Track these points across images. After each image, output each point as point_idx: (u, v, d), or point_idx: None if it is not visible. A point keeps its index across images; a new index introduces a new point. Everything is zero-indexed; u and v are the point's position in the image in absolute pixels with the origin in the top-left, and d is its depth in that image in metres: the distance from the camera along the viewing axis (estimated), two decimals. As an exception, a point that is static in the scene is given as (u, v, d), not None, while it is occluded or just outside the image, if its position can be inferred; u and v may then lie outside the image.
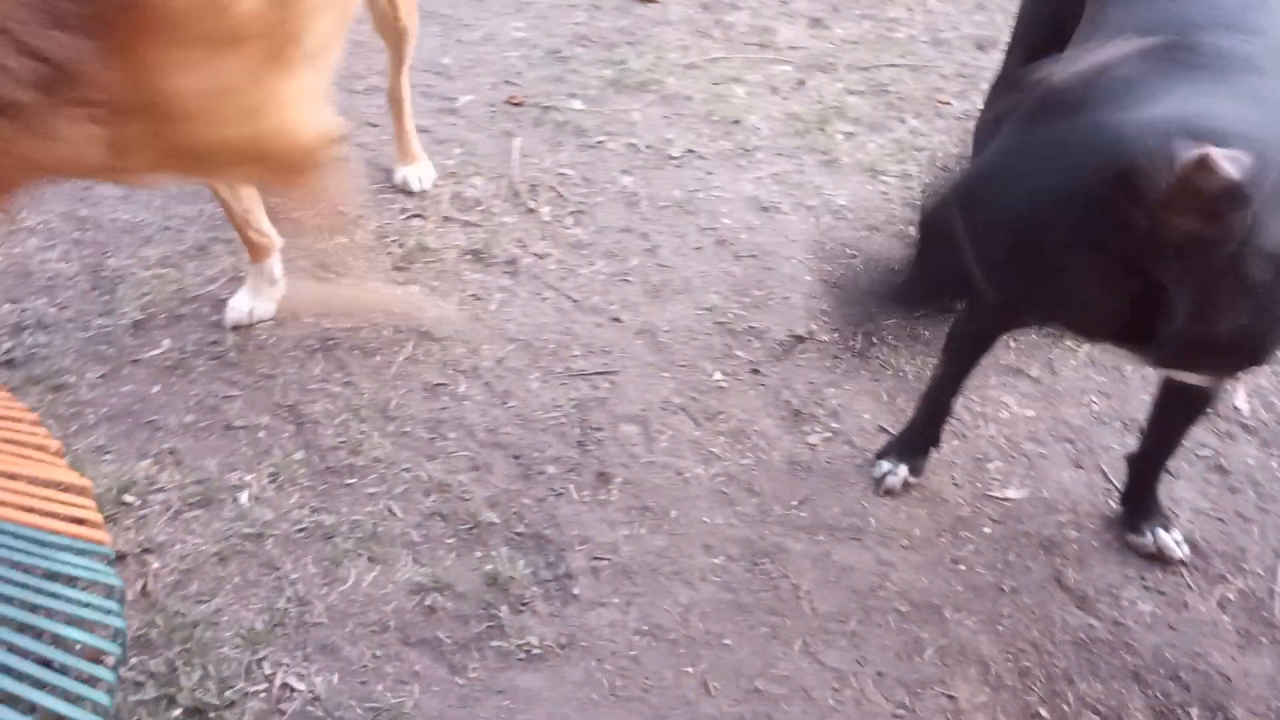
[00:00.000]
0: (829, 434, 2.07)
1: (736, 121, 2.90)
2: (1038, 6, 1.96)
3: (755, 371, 2.19)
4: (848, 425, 2.09)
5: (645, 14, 3.35)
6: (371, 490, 1.90)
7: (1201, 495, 1.99)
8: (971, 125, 2.29)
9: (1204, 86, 1.27)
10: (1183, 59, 1.32)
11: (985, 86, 2.41)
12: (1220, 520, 1.95)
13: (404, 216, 2.52)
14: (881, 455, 1.97)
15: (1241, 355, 1.40)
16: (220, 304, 2.25)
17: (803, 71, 3.10)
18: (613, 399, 2.10)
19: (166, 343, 2.17)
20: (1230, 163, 1.01)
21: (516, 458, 1.97)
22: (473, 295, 2.33)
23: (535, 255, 2.45)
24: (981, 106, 2.18)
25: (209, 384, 2.09)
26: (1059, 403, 2.15)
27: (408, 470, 1.93)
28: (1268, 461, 2.06)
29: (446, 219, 2.52)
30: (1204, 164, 1.01)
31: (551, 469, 1.96)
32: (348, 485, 1.90)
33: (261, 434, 2.01)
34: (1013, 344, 2.25)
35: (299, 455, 1.96)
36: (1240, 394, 2.18)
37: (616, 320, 2.29)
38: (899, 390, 2.15)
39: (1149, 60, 1.34)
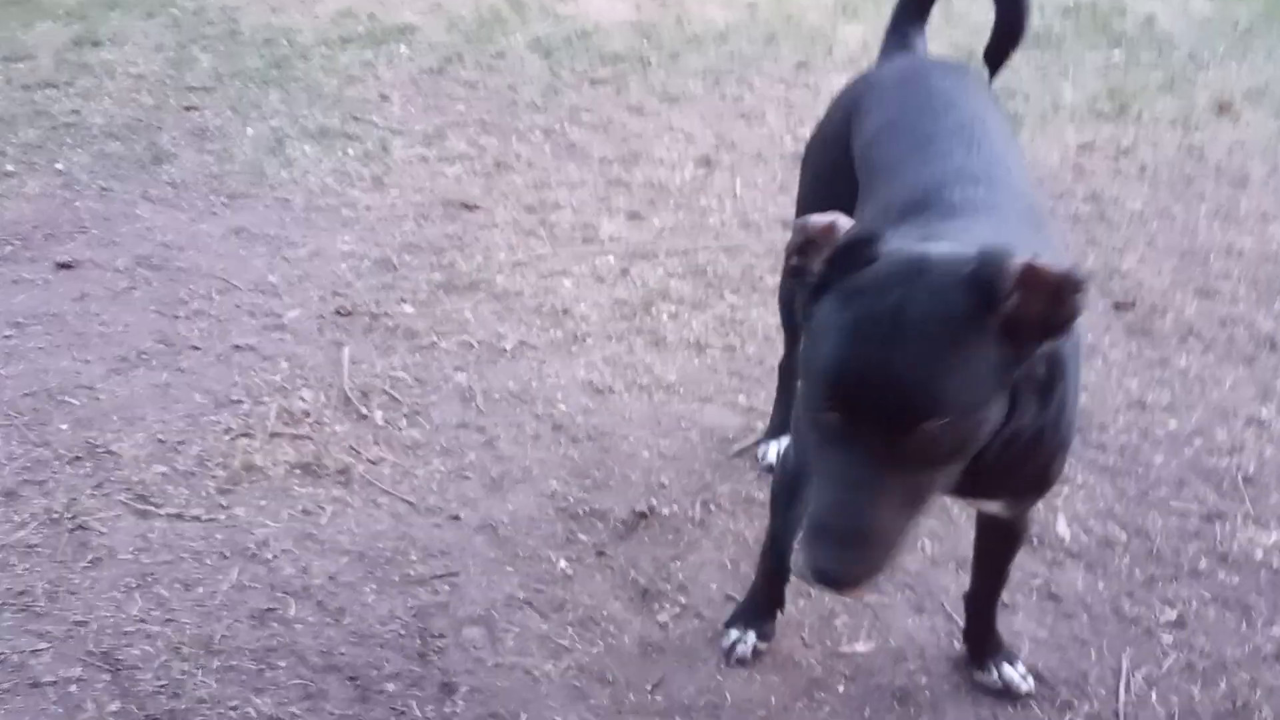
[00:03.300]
0: (679, 610, 2.05)
1: (566, 311, 2.99)
2: (816, 190, 2.10)
3: (601, 554, 2.17)
4: (697, 598, 2.08)
5: (472, 219, 3.47)
6: (195, 735, 1.76)
7: (1039, 624, 2.04)
8: (778, 292, 2.41)
9: (955, 224, 1.45)
10: (933, 209, 1.51)
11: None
12: (1060, 648, 2.00)
13: (229, 436, 2.46)
14: (729, 625, 1.96)
15: (1020, 480, 1.50)
16: (28, 551, 2.11)
17: (626, 260, 3.25)
18: (454, 602, 2.04)
19: (-36, 600, 2.01)
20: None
21: (353, 679, 1.87)
22: (303, 510, 2.25)
23: (369, 462, 2.41)
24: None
25: (14, 639, 1.93)
26: (896, 550, 2.20)
27: (234, 709, 1.80)
28: (1095, 584, 2.14)
29: (274, 435, 2.47)
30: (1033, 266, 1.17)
31: (392, 686, 1.86)
32: (168, 733, 1.76)
33: (73, 688, 1.85)
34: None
35: (114, 706, 1.81)
36: (1061, 521, 2.28)
37: (455, 519, 2.25)
38: (742, 556, 2.16)
39: (905, 214, 1.52)
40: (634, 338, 2.88)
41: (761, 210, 3.53)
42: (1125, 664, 1.96)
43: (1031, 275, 1.17)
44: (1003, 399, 1.23)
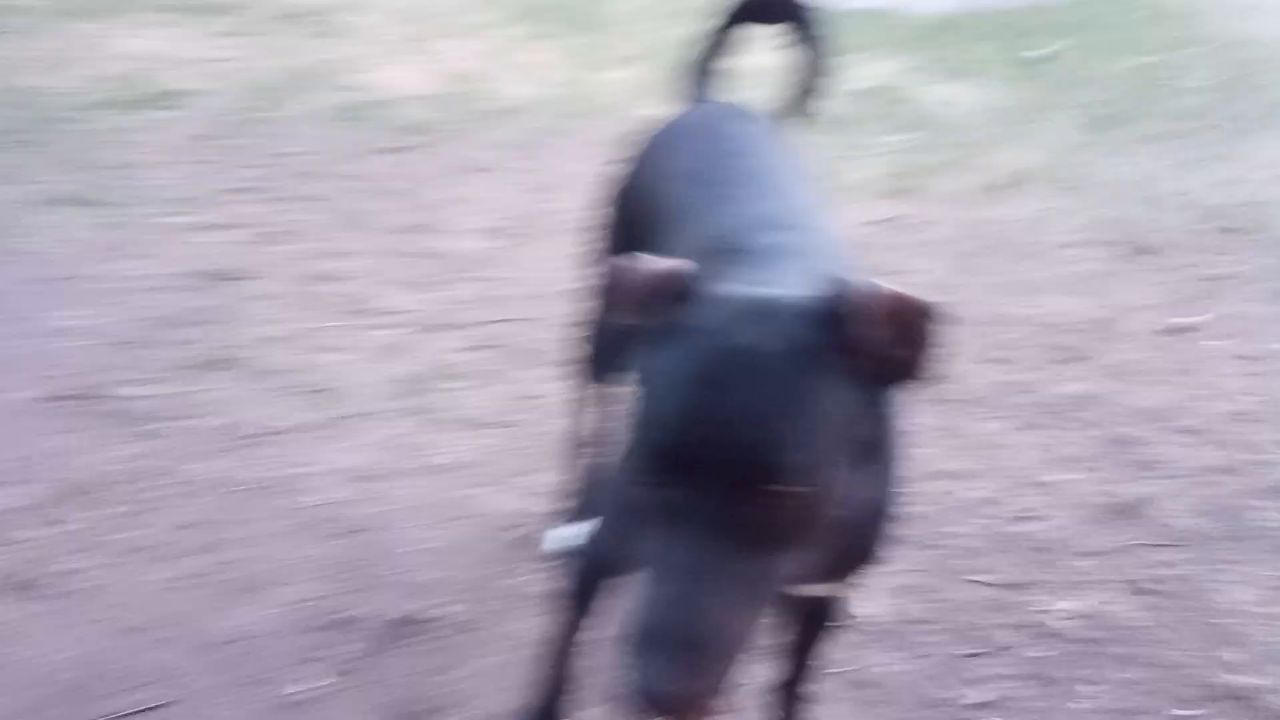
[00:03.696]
0: (444, 731, 1.75)
1: (333, 390, 2.67)
2: (616, 246, 1.92)
3: (351, 671, 1.85)
4: (471, 715, 1.78)
5: (234, 291, 3.11)
6: None
7: (853, 714, 1.86)
8: (572, 362, 2.21)
9: (757, 271, 1.28)
10: (733, 256, 1.34)
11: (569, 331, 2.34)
12: (873, 741, 1.82)
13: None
14: (500, 747, 1.68)
15: (849, 557, 1.32)
16: None
17: (405, 335, 2.97)
18: (164, 741, 1.67)
19: None
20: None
21: None
22: (-21, 637, 1.83)
23: (73, 571, 2.00)
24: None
25: None
26: (694, 643, 1.98)
27: None
28: (907, 666, 1.99)
29: (-47, 545, 2.03)
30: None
31: None
32: None
33: None
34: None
35: None
36: (868, 599, 2.12)
37: (174, 637, 1.88)
38: (520, 661, 1.88)
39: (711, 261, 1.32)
40: (410, 418, 2.60)
41: (553, 283, 3.33)
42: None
43: (878, 302, 1.03)
44: (851, 457, 1.05)
